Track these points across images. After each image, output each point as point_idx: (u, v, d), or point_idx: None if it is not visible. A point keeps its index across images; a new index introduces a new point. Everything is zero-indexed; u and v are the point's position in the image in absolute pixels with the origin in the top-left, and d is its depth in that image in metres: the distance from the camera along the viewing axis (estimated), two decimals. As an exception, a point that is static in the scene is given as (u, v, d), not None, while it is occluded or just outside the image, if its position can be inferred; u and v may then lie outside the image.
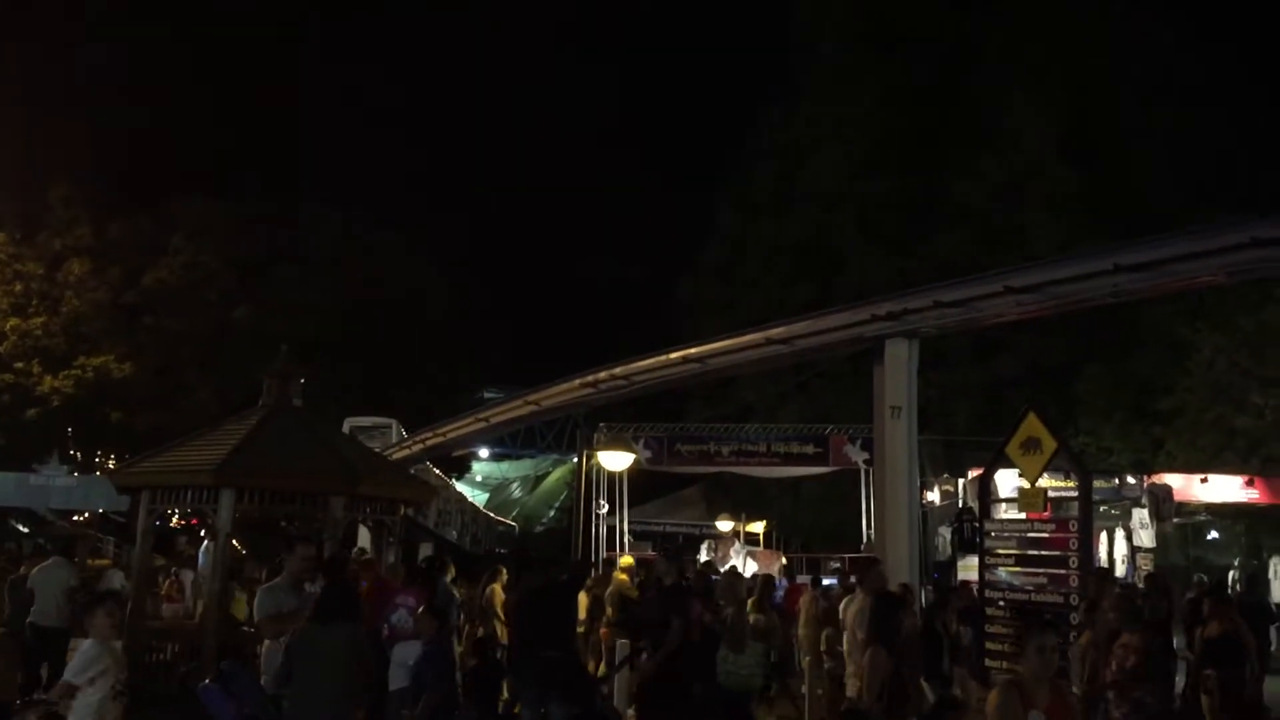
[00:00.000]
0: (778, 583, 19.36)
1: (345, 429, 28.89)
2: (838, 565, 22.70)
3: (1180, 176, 28.30)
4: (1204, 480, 21.34)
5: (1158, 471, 22.14)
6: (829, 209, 32.76)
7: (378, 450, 17.57)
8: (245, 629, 10.43)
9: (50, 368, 36.24)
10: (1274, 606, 16.96)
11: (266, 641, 8.32)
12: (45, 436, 35.25)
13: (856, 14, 34.69)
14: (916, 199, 31.35)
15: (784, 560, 24.35)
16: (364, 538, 17.90)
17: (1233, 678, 9.19)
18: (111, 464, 34.13)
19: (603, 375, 19.51)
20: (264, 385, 11.57)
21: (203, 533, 14.88)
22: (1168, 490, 20.61)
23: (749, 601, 11.20)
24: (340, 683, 6.82)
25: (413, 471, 23.38)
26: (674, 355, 18.45)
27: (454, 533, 29.66)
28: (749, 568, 20.76)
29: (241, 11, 74.23)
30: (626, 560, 15.97)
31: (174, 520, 26.33)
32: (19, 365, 35.94)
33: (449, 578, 11.20)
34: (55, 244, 38.37)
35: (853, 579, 17.66)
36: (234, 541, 10.80)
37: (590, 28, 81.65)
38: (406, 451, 25.09)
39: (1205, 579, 16.54)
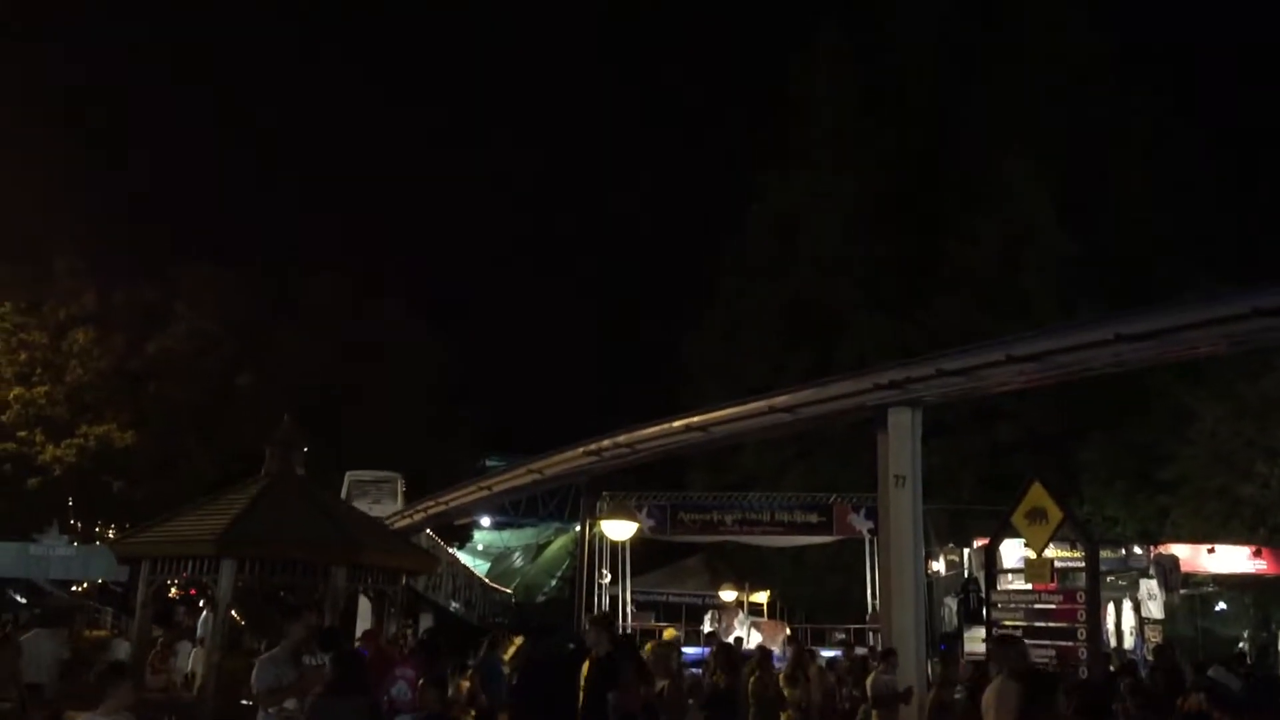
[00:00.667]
0: (777, 656, 19.15)
1: (345, 484, 28.69)
2: (842, 637, 22.44)
3: (1179, 240, 28.49)
4: (1211, 550, 21.18)
5: (1164, 541, 21.98)
6: (827, 273, 32.97)
7: (381, 510, 17.53)
8: (243, 701, 10.30)
9: (53, 436, 36.17)
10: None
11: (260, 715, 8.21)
12: (46, 506, 35.05)
13: (852, 79, 35.22)
14: (915, 263, 31.55)
15: (789, 631, 24.10)
16: (365, 609, 17.74)
17: None
18: (111, 534, 33.90)
19: (606, 443, 19.44)
20: (266, 454, 11.56)
21: (201, 603, 14.77)
22: (1175, 560, 20.45)
23: (750, 671, 11.00)
24: None
25: (415, 540, 23.26)
26: (677, 423, 18.38)
27: (455, 604, 29.40)
28: (753, 639, 20.55)
29: (240, 71, 75.14)
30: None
31: (172, 590, 26.13)
32: (21, 434, 35.86)
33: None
34: (60, 313, 38.53)
35: (858, 651, 17.48)
36: (232, 612, 10.70)
37: (587, 95, 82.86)
38: (408, 520, 24.96)
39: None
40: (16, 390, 36.56)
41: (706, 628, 23.08)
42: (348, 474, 25.03)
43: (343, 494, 27.84)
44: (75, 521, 37.09)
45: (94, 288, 39.51)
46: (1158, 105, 31.26)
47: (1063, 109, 31.06)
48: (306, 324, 42.17)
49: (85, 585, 33.60)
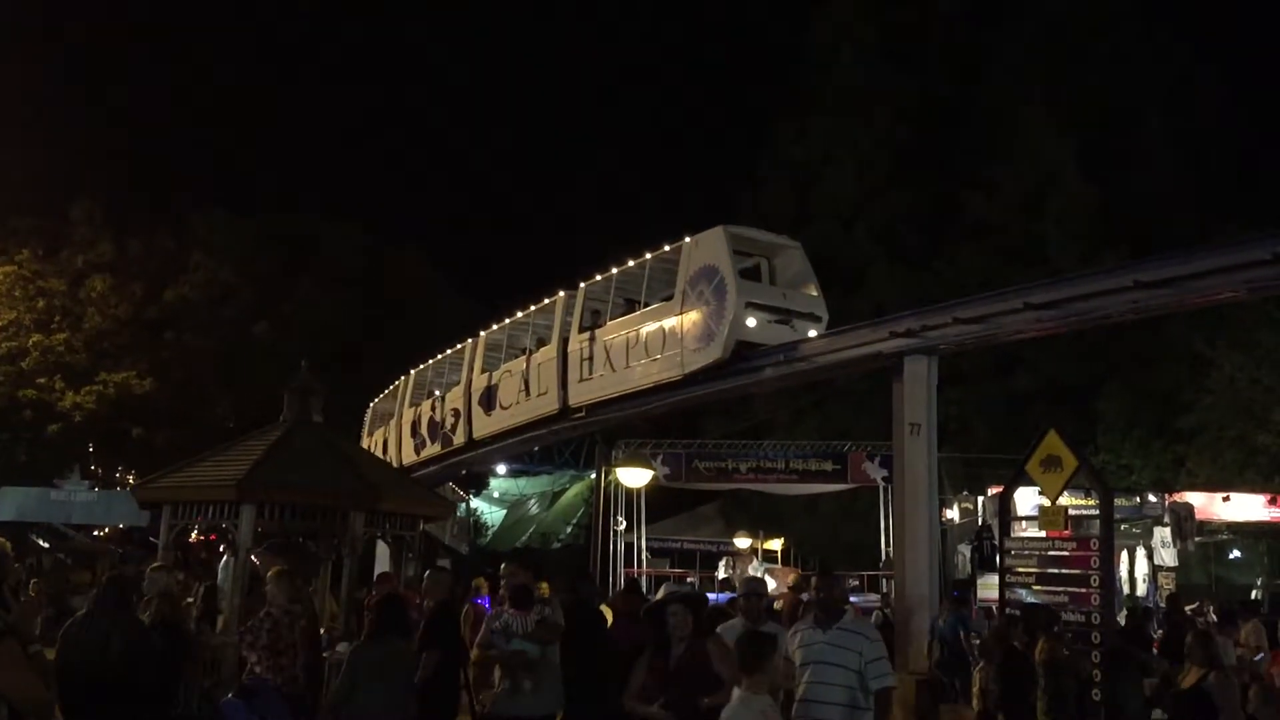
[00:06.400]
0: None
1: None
2: (855, 583, 22.63)
3: (1200, 190, 28.22)
4: (1226, 499, 21.21)
5: (1179, 490, 22.01)
6: (846, 224, 32.74)
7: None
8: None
9: (72, 383, 36.49)
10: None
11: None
12: (67, 452, 35.47)
13: (872, 30, 34.75)
14: (934, 213, 31.32)
15: (798, 574, 24.28)
16: (383, 553, 17.93)
17: None
18: (132, 479, 34.28)
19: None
20: (284, 400, 11.65)
21: (222, 548, 14.95)
22: (1189, 509, 20.50)
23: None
24: (399, 696, 7.01)
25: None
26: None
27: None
28: (768, 585, 20.71)
29: (260, 25, 74.70)
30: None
31: (192, 535, 26.44)
32: (41, 381, 36.19)
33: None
34: (77, 260, 38.69)
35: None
36: (253, 557, 10.84)
37: (607, 45, 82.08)
38: (425, 469, 25.07)
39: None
40: (36, 337, 36.86)
41: (721, 574, 23.34)
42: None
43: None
44: (96, 467, 37.56)
45: (111, 236, 39.65)
46: (1182, 52, 30.79)
47: (1085, 56, 30.62)
48: (325, 274, 42.20)
49: (106, 530, 34.07)
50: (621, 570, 22.92)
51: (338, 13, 79.39)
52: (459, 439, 21.39)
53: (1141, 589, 19.96)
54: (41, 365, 36.69)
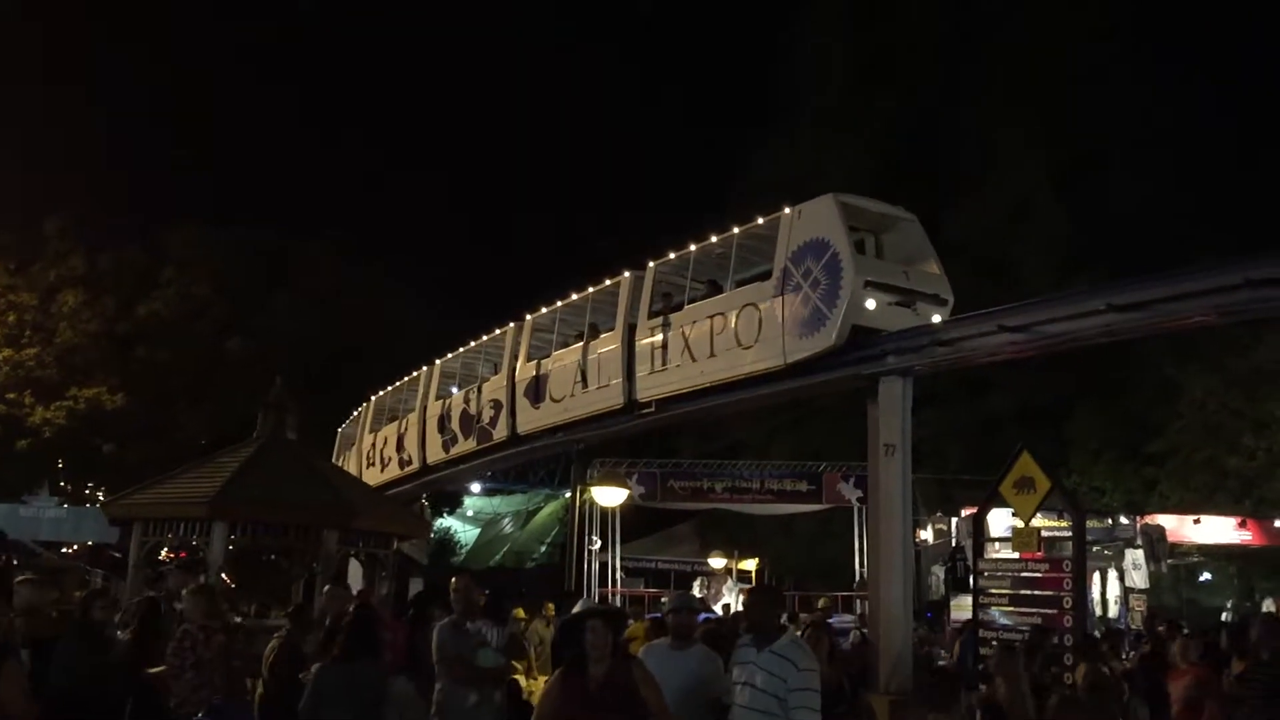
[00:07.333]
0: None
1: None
2: (830, 603, 22.63)
3: (1180, 211, 28.50)
4: (1197, 521, 21.39)
5: (1151, 512, 22.17)
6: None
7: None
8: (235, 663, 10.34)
9: (42, 398, 36.13)
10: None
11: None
12: (36, 468, 35.06)
13: (848, 56, 35.03)
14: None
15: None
16: (355, 572, 17.77)
17: None
18: (102, 496, 33.91)
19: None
20: (258, 417, 11.59)
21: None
22: (1161, 531, 20.65)
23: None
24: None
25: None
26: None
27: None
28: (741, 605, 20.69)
29: (232, 42, 74.45)
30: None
31: (163, 553, 26.14)
32: (11, 396, 35.82)
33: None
34: (49, 275, 38.38)
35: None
36: (224, 575, 10.75)
37: (585, 67, 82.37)
38: (399, 487, 24.98)
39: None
40: (6, 352, 36.47)
41: (695, 594, 23.28)
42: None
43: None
44: (65, 484, 37.12)
45: (83, 250, 39.33)
46: (1161, 75, 31.17)
47: (1061, 79, 30.92)
48: (299, 288, 42.03)
49: (75, 547, 33.65)
50: (596, 590, 22.85)
51: (316, 24, 79.27)
52: (500, 433, 19.67)
53: (1113, 611, 20.05)
54: (11, 380, 36.31)
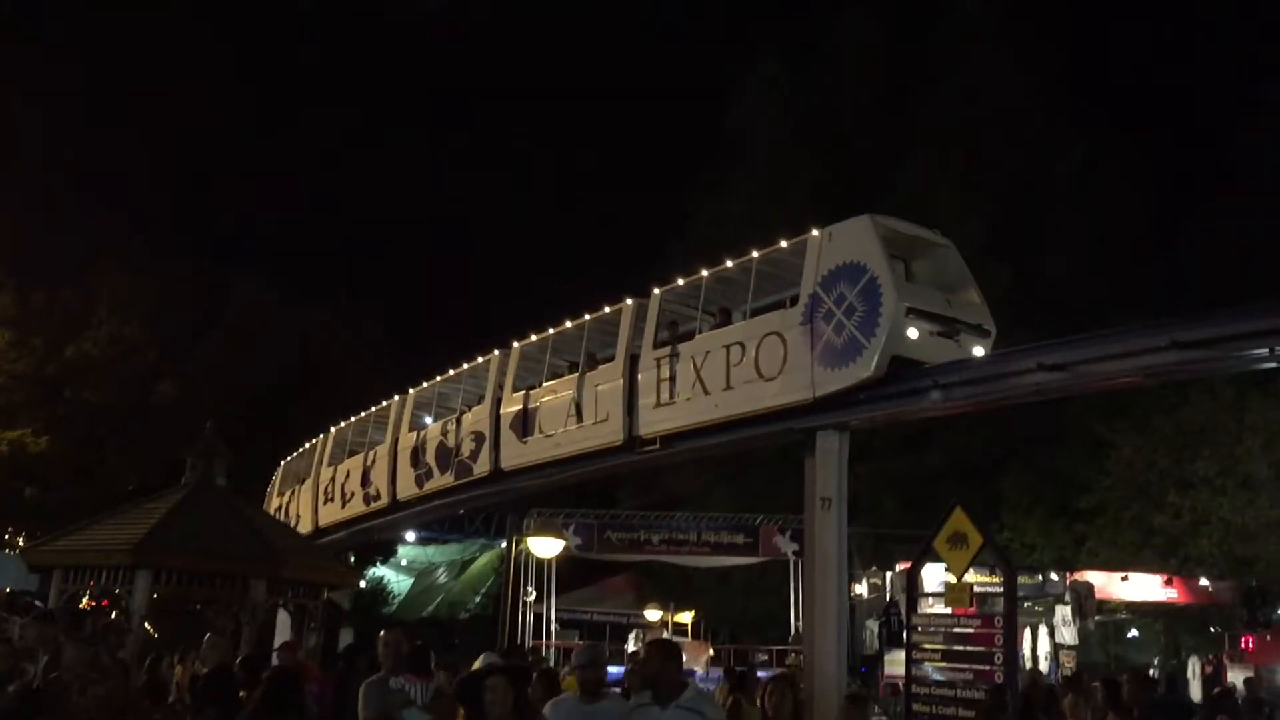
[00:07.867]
0: (700, 675, 19.22)
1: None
2: (765, 657, 22.60)
3: (1104, 273, 29.16)
4: (1124, 579, 21.70)
5: (1080, 568, 22.47)
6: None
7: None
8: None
9: (-37, 440, 35.20)
10: (1193, 705, 17.13)
11: None
12: (-47, 511, 34.05)
13: (786, 112, 35.59)
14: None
15: (712, 651, 24.19)
16: (284, 622, 17.41)
17: None
18: (22, 541, 32.92)
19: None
20: (187, 463, 11.38)
21: (114, 614, 14.42)
22: (1089, 588, 20.93)
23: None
24: None
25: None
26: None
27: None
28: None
29: (172, 76, 73.83)
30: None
31: (84, 601, 25.39)
32: (-68, 437, 34.85)
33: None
34: (-24, 315, 37.56)
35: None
36: (146, 625, 10.47)
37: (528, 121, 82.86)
38: (331, 536, 24.58)
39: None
40: (-70, 393, 35.50)
41: (630, 647, 23.08)
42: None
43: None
44: (-16, 528, 36.03)
45: (11, 290, 38.52)
46: (1088, 139, 32.00)
47: (994, 144, 31.63)
48: (232, 332, 41.52)
49: (-9, 594, 32.56)
50: (530, 641, 22.60)
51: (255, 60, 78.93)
52: (481, 468, 18.44)
53: (1044, 666, 20.23)
54: (-67, 421, 35.31)
